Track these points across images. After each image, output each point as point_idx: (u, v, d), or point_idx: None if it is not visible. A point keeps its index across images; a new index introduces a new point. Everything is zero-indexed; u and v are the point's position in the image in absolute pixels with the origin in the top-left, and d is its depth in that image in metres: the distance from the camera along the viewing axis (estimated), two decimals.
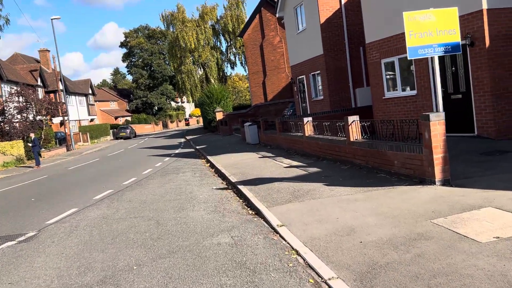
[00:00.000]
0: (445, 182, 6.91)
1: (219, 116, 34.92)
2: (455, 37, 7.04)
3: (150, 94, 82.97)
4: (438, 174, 6.88)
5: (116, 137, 54.97)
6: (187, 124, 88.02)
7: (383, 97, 14.42)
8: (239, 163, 13.57)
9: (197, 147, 23.52)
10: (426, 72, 12.42)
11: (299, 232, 5.63)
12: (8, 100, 30.62)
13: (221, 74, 55.25)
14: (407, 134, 7.81)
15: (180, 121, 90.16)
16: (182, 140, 34.62)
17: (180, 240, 6.08)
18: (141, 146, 32.04)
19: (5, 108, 30.40)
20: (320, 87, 19.76)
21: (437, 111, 12.74)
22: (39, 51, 53.43)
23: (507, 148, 9.55)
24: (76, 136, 48.99)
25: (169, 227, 6.91)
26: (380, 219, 5.62)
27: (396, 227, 5.19)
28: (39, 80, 44.28)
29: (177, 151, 23.32)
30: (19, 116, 30.80)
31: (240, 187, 9.39)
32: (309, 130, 12.93)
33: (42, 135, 32.26)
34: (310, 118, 12.95)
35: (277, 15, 23.16)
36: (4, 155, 28.43)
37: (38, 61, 52.07)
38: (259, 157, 14.41)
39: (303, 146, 13.45)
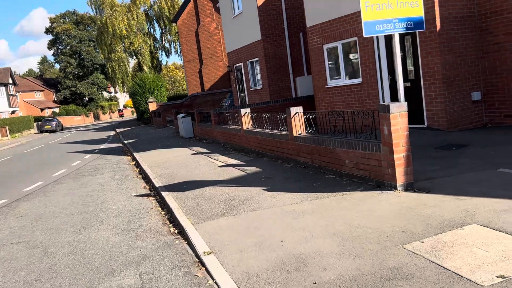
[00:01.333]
0: (408, 187, 5.75)
1: (152, 107, 32.63)
2: (418, 11, 5.85)
3: (79, 83, 77.71)
4: (399, 177, 5.70)
5: (41, 131, 50.54)
6: (121, 116, 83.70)
7: (326, 86, 13.31)
8: (168, 161, 11.88)
9: (126, 141, 21.37)
10: (372, 58, 11.40)
11: (233, 264, 4.18)
12: None
13: (155, 62, 52.39)
14: (360, 128, 6.58)
15: (113, 112, 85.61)
16: (112, 133, 32.00)
17: (65, 285, 4.39)
18: (65, 141, 29.12)
19: None
20: (259, 76, 18.40)
21: (383, 100, 11.87)
22: None
23: (461, 141, 8.70)
24: None
25: (57, 259, 5.17)
26: (336, 242, 4.30)
27: (360, 257, 3.88)
28: None
29: (102, 146, 21.04)
30: None
31: (164, 194, 7.77)
32: (247, 123, 11.51)
33: None
34: (248, 110, 11.52)
35: None
36: None
37: None
38: (192, 154, 12.79)
39: (241, 141, 12.02)
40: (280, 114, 9.38)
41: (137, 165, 12.66)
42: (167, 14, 46.47)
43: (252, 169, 8.90)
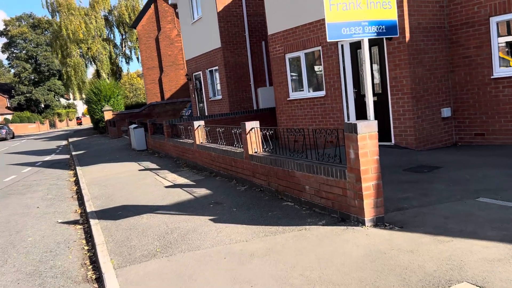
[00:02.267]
0: (378, 222, 4.82)
1: (108, 115, 30.91)
2: (391, 13, 4.98)
3: (35, 90, 74.09)
4: (368, 211, 4.76)
5: None
6: (79, 124, 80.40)
7: (288, 98, 12.41)
8: (111, 178, 10.59)
9: (74, 152, 19.75)
10: (336, 69, 10.59)
11: None
12: None
13: (114, 69, 50.46)
14: (324, 144, 5.63)
15: (70, 120, 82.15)
16: (63, 143, 30.03)
17: None
18: (10, 151, 26.96)
19: None
20: (219, 86, 17.36)
21: (348, 114, 11.07)
22: None
23: (433, 162, 7.94)
24: None
25: None
26: None
27: None
28: None
29: (47, 158, 19.33)
30: None
31: (93, 222, 6.54)
32: (200, 137, 10.40)
33: None
34: (201, 122, 10.42)
35: (169, 1, 20.28)
36: None
37: None
38: (140, 170, 11.54)
39: (194, 156, 10.89)
40: (235, 129, 8.35)
41: (77, 182, 11.29)
42: (127, 20, 44.85)
43: (201, 191, 7.79)
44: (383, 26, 4.95)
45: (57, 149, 24.59)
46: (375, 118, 9.66)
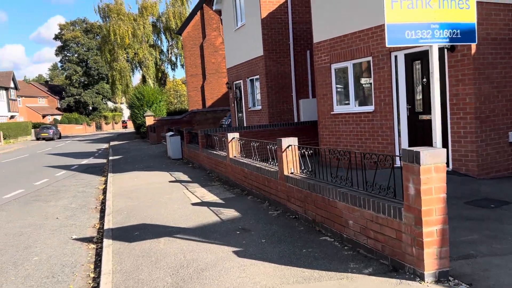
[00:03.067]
0: (441, 277, 3.79)
1: (149, 121, 30.90)
2: (469, 15, 3.98)
3: (84, 92, 76.61)
4: (429, 263, 3.76)
5: (37, 138, 49.07)
6: (125, 127, 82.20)
7: (332, 112, 11.43)
8: (139, 189, 9.99)
9: (111, 157, 19.56)
10: (388, 82, 9.53)
11: None
12: None
13: (160, 75, 51.02)
14: (376, 167, 4.66)
15: (116, 123, 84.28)
16: (104, 146, 30.25)
17: None
18: (52, 152, 27.38)
19: None
20: (259, 96, 16.61)
21: (399, 134, 9.96)
22: None
23: (500, 195, 6.76)
24: None
25: None
26: None
27: None
28: None
29: (84, 162, 19.21)
30: None
31: (107, 243, 5.86)
32: (234, 150, 9.62)
33: None
34: (235, 135, 9.64)
35: (214, 7, 19.82)
36: None
37: None
38: (170, 182, 10.89)
39: (226, 170, 10.13)
40: (270, 145, 7.49)
41: (105, 191, 10.78)
42: (174, 27, 45.23)
43: (229, 213, 6.97)
44: (458, 31, 3.95)
45: (96, 153, 24.64)
46: (429, 139, 8.56)
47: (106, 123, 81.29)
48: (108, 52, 44.32)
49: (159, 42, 51.22)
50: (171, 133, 16.99)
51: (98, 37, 77.06)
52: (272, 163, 7.46)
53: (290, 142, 6.58)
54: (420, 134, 8.94)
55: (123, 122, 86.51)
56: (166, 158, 16.80)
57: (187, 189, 9.63)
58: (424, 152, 3.68)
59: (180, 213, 7.25)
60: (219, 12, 20.57)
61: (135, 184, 10.87)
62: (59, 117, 72.69)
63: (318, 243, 5.10)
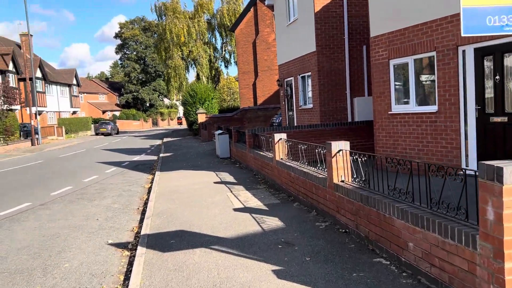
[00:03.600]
0: None
1: (201, 118, 31.00)
2: None
3: (142, 89, 79.06)
4: None
5: (96, 133, 51.10)
6: (180, 123, 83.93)
7: (389, 112, 10.52)
8: (183, 190, 9.67)
9: (162, 154, 19.63)
10: (454, 80, 8.53)
11: None
12: None
13: (213, 72, 51.33)
14: (440, 191, 3.90)
15: (172, 119, 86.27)
16: (157, 142, 30.71)
17: None
18: (108, 147, 28.12)
19: None
20: (310, 93, 15.89)
21: (466, 137, 8.90)
22: (20, 35, 49.38)
23: None
24: (50, 129, 45.05)
25: None
26: None
27: None
28: (10, 65, 40.27)
29: (136, 158, 19.39)
30: None
31: (140, 251, 5.50)
32: (281, 152, 9.04)
33: None
34: (283, 135, 9.04)
35: (266, 2, 19.29)
36: None
37: (19, 46, 47.97)
38: (215, 182, 10.49)
39: (273, 173, 9.57)
40: (319, 148, 6.84)
41: (150, 190, 10.58)
42: (228, 24, 45.24)
43: (272, 222, 6.40)
44: None
45: (148, 149, 24.96)
46: (506, 146, 7.51)
47: (162, 120, 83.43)
48: (164, 50, 45.11)
49: (213, 39, 51.51)
50: (219, 131, 16.68)
51: (155, 35, 79.17)
52: (320, 168, 6.80)
53: (341, 147, 5.90)
54: (491, 138, 7.90)
55: (178, 118, 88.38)
56: (214, 157, 16.51)
57: (231, 191, 9.17)
58: (509, 168, 2.91)
59: (220, 219, 6.78)
60: (271, 8, 20.02)
61: (180, 184, 10.58)
62: (117, 113, 75.50)
63: (371, 266, 4.41)
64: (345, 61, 14.86)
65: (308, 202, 7.16)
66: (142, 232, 6.44)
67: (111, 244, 6.27)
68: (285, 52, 17.84)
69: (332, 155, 5.91)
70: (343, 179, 5.91)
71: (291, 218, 6.54)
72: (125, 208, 8.77)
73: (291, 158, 8.60)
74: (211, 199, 8.48)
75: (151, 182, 11.85)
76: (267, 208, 7.36)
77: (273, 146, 9.28)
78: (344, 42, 14.77)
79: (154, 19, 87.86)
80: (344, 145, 5.92)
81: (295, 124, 17.17)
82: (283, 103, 18.81)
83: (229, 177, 11.20)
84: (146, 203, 9.07)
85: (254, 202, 7.96)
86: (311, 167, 7.28)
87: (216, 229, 6.26)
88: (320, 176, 6.53)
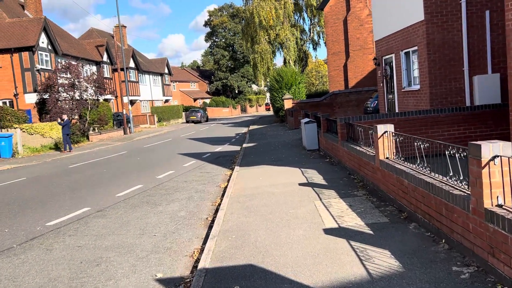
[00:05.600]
0: None
1: (288, 104, 29.15)
2: None
3: (230, 76, 79.31)
4: None
5: (187, 121, 51.81)
6: (268, 109, 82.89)
7: None
8: (260, 195, 7.94)
9: (245, 145, 18.20)
10: None
11: None
12: (53, 76, 27.64)
13: (301, 55, 49.09)
14: None
15: (260, 105, 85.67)
16: (243, 130, 29.54)
17: None
18: (194, 136, 27.55)
19: (52, 84, 27.50)
20: (416, 72, 13.22)
21: None
22: (115, 26, 51.30)
23: None
24: (143, 118, 46.36)
25: None
26: None
27: None
28: (105, 56, 41.74)
29: (218, 149, 18.17)
30: (64, 94, 27.77)
31: None
32: (386, 149, 6.86)
33: (88, 116, 29.08)
34: (389, 127, 6.84)
35: None
36: (43, 137, 25.63)
37: (112, 36, 49.88)
38: (300, 184, 8.60)
39: (375, 176, 7.42)
40: (453, 149, 4.59)
41: (225, 191, 9.01)
42: (315, 3, 42.59)
43: (383, 260, 4.35)
44: None
45: (233, 138, 23.77)
46: None
47: (251, 106, 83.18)
48: (250, 35, 43.83)
49: (300, 21, 49.23)
50: (306, 119, 14.69)
51: (243, 21, 78.63)
52: (456, 179, 4.58)
53: (498, 151, 3.66)
54: None
55: (266, 104, 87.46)
56: (300, 149, 14.61)
57: (320, 199, 7.21)
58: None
59: (306, 249, 4.89)
60: None
61: (258, 186, 8.87)
62: (208, 101, 76.58)
63: None
64: (461, 31, 11.99)
65: (434, 226, 4.98)
66: (200, 264, 4.78)
67: (159, 281, 4.70)
68: (384, 25, 15.21)
69: (483, 165, 3.69)
70: (501, 203, 3.68)
71: (410, 254, 4.44)
72: (192, 218, 7.25)
73: (402, 158, 6.39)
74: (294, 211, 6.61)
75: (228, 180, 10.31)
76: (371, 231, 5.30)
77: (375, 140, 7.13)
78: (461, 7, 11.90)
79: (241, 4, 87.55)
80: (504, 148, 3.66)
81: (396, 110, 14.59)
82: (381, 84, 16.22)
83: (317, 177, 9.24)
84: (217, 211, 7.48)
85: (351, 218, 5.94)
86: (437, 175, 5.05)
87: (300, 268, 4.39)
88: (457, 193, 4.32)
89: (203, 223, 6.95)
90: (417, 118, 10.28)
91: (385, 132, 6.84)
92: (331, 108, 27.77)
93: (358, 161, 8.58)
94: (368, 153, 7.78)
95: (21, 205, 9.13)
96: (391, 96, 15.30)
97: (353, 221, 5.82)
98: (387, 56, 15.33)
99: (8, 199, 9.94)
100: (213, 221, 6.85)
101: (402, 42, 13.65)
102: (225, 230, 5.99)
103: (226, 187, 9.53)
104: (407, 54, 13.66)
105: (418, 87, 12.89)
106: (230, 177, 10.79)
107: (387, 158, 6.85)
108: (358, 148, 8.57)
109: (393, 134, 6.71)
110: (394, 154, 6.73)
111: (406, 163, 6.12)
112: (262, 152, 14.71)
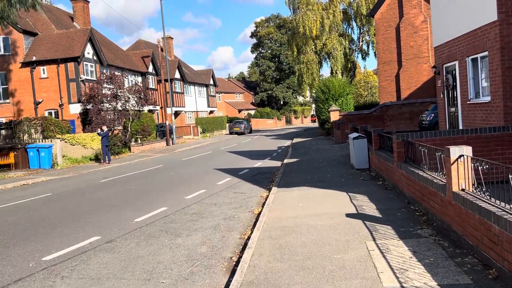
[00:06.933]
0: None
1: (334, 116, 27.49)
2: None
3: (276, 87, 78.26)
4: None
5: (230, 132, 51.07)
6: (313, 121, 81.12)
7: None
8: (297, 230, 6.53)
9: (287, 160, 16.80)
10: None
11: None
12: (95, 86, 27.53)
13: (349, 66, 47.12)
14: None
15: (305, 117, 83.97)
16: (286, 144, 28.14)
17: None
18: (235, 149, 26.46)
19: (95, 95, 27.39)
20: (485, 82, 11.36)
21: None
22: (163, 38, 51.60)
23: None
24: (186, 129, 46.05)
25: None
26: None
27: None
28: (150, 67, 41.82)
29: (257, 164, 16.86)
30: (107, 105, 27.58)
31: None
32: (462, 178, 5.27)
33: (129, 128, 28.73)
34: (467, 150, 5.24)
35: None
36: (85, 148, 25.42)
37: (162, 49, 50.16)
38: (347, 216, 7.09)
39: (445, 212, 5.82)
40: None
41: (257, 220, 7.65)
42: (365, 12, 40.71)
43: None
44: None
45: (275, 152, 22.41)
46: None
47: (296, 117, 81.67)
48: (296, 45, 42.55)
49: (349, 30, 47.31)
50: (355, 134, 13.11)
51: (289, 32, 77.56)
52: None
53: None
54: None
55: (312, 116, 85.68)
56: (348, 167, 13.02)
57: (374, 239, 5.70)
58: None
59: None
60: None
61: (296, 215, 7.45)
62: (252, 112, 75.80)
63: None
64: None
65: None
66: None
67: None
68: (444, 29, 13.41)
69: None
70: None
71: None
72: (213, 257, 5.94)
73: (488, 193, 4.78)
74: (340, 256, 5.15)
75: (263, 205, 8.94)
76: None
77: (446, 166, 5.55)
78: None
79: (288, 15, 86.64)
80: None
81: (460, 125, 12.72)
82: (442, 96, 14.34)
83: (368, 205, 7.70)
84: (244, 247, 6.14)
85: (418, 274, 4.40)
86: None
87: None
88: None
89: (225, 265, 5.62)
90: (492, 137, 8.50)
91: (460, 156, 5.25)
92: (382, 121, 25.84)
93: (421, 189, 6.98)
94: (435, 180, 6.18)
95: (26, 229, 8.16)
96: (454, 109, 13.41)
97: (421, 279, 4.28)
98: (448, 64, 13.49)
99: (17, 221, 9.04)
100: (237, 262, 5.51)
101: (468, 47, 11.83)
102: (250, 281, 4.63)
103: (259, 213, 8.18)
104: (474, 60, 11.81)
105: (488, 99, 11.01)
106: (266, 200, 9.44)
107: (463, 190, 5.26)
108: (420, 173, 6.96)
109: (472, 159, 5.11)
110: (473, 186, 5.13)
111: (495, 201, 4.52)
112: (304, 170, 13.26)
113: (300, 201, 8.69)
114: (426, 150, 6.96)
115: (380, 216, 6.92)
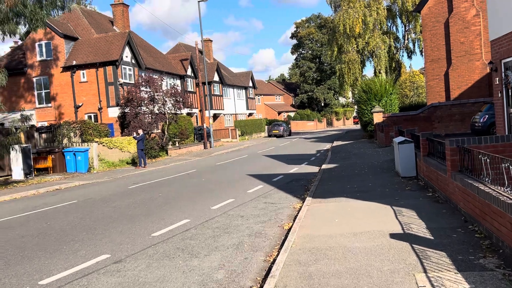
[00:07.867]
0: None
1: (377, 118, 26.01)
2: None
3: (316, 88, 76.68)
4: None
5: (269, 135, 50.18)
6: (356, 123, 78.88)
7: None
8: (331, 255, 5.53)
9: (325, 166, 15.72)
10: None
11: None
12: (133, 90, 27.43)
13: (394, 65, 45.08)
14: None
15: (347, 119, 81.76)
16: (326, 147, 26.92)
17: None
18: (272, 152, 25.54)
19: (133, 98, 27.32)
20: None
21: None
22: (201, 41, 51.57)
23: None
24: (225, 132, 45.61)
25: None
26: None
27: None
28: (189, 70, 41.66)
29: (293, 170, 15.86)
30: (144, 108, 27.42)
31: None
32: None
33: (166, 131, 28.44)
34: None
35: None
36: (122, 151, 25.33)
37: (201, 52, 50.10)
38: (392, 237, 6.00)
39: None
40: None
41: (285, 239, 6.71)
42: (411, 8, 38.73)
43: None
44: None
45: (313, 156, 21.31)
46: None
47: (337, 119, 79.72)
48: (336, 44, 41.13)
49: (393, 28, 45.36)
50: (400, 138, 11.86)
51: (330, 30, 75.81)
52: None
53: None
54: None
55: (354, 117, 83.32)
56: (393, 174, 11.80)
57: (425, 272, 4.61)
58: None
59: None
60: None
61: (331, 234, 6.44)
62: (292, 114, 74.62)
63: None
64: None
65: None
66: None
67: None
68: (504, 19, 11.91)
69: None
70: None
71: None
72: (229, 286, 5.05)
73: None
74: None
75: (294, 218, 7.98)
76: None
77: None
78: None
79: (330, 14, 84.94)
80: None
81: None
82: (499, 95, 12.81)
83: (417, 223, 6.57)
84: (267, 274, 5.22)
85: None
86: None
87: None
88: None
89: None
90: None
91: None
92: (430, 123, 24.12)
93: (482, 206, 5.79)
94: (501, 198, 5.01)
95: (36, 244, 7.55)
96: None
97: None
98: (508, 59, 11.98)
99: (30, 233, 8.49)
100: None
101: None
102: None
103: (289, 229, 7.22)
104: None
105: None
106: (298, 212, 8.47)
107: None
108: (481, 186, 5.78)
109: None
110: None
111: None
112: (343, 178, 12.16)
113: (337, 215, 7.65)
114: (487, 160, 5.77)
115: (432, 237, 5.80)
